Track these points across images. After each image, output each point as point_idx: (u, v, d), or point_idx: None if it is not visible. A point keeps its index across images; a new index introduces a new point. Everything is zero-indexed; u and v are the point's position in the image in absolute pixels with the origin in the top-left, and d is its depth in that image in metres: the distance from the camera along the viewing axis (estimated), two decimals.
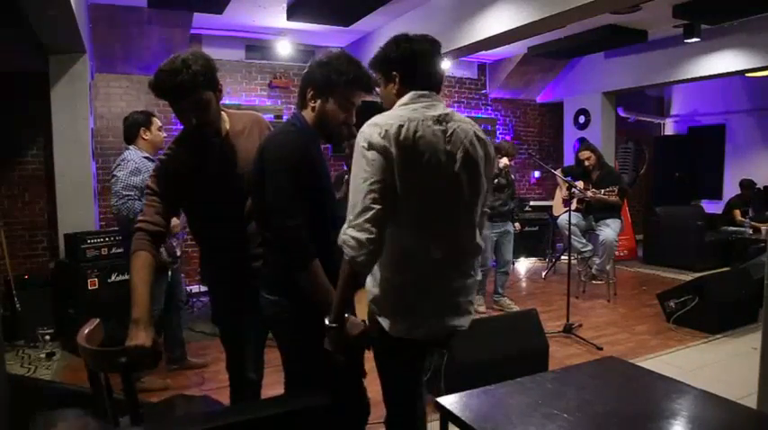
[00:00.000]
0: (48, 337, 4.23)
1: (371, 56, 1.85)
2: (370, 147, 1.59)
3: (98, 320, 1.82)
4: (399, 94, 1.76)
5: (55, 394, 2.32)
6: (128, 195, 3.22)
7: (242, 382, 2.14)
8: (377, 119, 1.66)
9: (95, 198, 4.96)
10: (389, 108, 1.76)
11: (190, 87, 1.81)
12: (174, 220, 2.90)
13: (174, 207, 2.01)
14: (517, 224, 5.42)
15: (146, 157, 3.38)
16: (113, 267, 4.10)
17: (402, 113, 1.67)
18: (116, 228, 4.13)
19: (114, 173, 3.33)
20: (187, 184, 1.94)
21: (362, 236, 1.54)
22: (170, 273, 3.46)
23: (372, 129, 1.61)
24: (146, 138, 3.43)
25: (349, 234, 1.56)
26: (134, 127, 3.43)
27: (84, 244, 4.04)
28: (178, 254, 3.54)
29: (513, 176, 5.34)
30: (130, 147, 3.44)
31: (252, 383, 2.14)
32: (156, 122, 3.51)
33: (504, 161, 4.96)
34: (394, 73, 1.76)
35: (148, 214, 1.91)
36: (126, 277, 4.11)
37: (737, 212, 7.47)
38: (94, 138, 5.19)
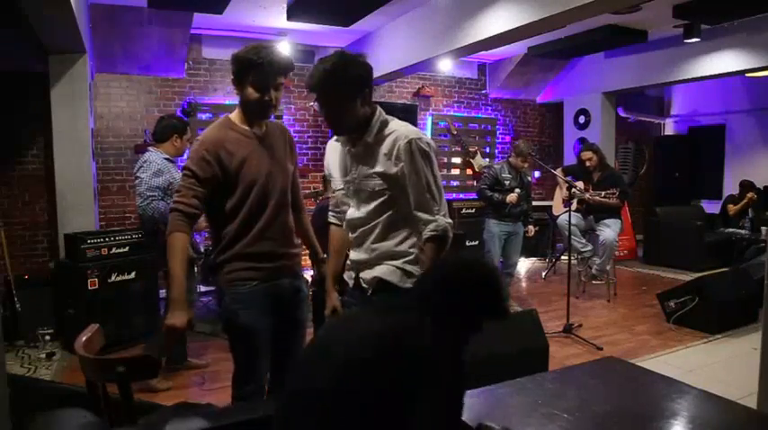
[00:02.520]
0: (48, 337, 4.23)
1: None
2: (433, 150, 1.91)
3: (97, 326, 1.79)
4: (369, 110, 1.87)
5: (55, 394, 2.31)
6: (152, 196, 3.37)
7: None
8: (414, 128, 1.91)
9: (95, 198, 4.95)
10: (353, 124, 1.86)
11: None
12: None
13: (211, 192, 1.92)
14: (531, 227, 5.20)
15: (166, 158, 3.53)
16: (113, 267, 4.10)
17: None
18: (116, 229, 4.15)
19: (137, 174, 3.48)
20: (226, 172, 1.92)
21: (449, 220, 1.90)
22: (195, 268, 3.51)
23: (426, 136, 1.90)
24: (176, 144, 3.60)
25: (447, 221, 1.87)
26: (170, 130, 3.58)
27: (84, 244, 4.03)
28: (201, 250, 3.60)
29: (529, 178, 5.25)
30: (150, 148, 3.59)
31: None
32: (189, 133, 3.67)
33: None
34: (367, 90, 1.84)
35: (186, 196, 1.87)
36: (126, 277, 4.14)
37: (731, 207, 7.48)
38: (94, 138, 5.19)
